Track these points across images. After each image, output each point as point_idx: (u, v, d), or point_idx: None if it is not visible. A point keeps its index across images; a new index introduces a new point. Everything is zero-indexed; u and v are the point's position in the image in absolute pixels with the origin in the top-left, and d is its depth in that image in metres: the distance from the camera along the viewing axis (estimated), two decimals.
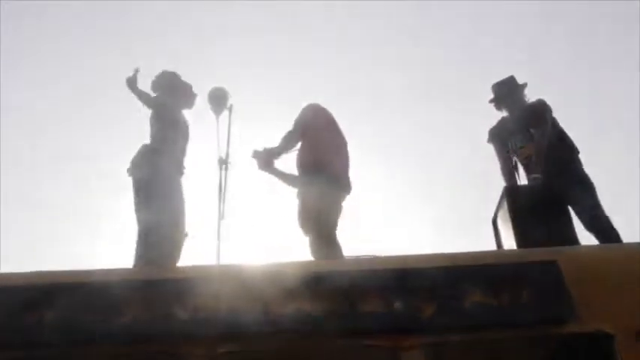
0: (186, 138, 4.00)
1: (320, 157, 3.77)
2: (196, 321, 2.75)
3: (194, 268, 3.11)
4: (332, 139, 3.91)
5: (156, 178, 3.64)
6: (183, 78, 4.17)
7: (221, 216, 3.85)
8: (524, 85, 4.21)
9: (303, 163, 3.86)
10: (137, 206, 3.64)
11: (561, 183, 3.75)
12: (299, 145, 3.96)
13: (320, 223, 3.64)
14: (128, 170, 3.76)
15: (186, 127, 4.05)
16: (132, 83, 3.96)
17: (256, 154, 3.96)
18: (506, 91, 4.17)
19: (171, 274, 3.09)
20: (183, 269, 3.17)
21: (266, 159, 3.95)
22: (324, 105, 4.07)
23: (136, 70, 3.98)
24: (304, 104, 4.07)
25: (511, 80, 4.23)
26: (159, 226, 3.49)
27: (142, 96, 3.98)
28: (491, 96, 4.23)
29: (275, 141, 4.00)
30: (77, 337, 2.72)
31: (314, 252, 3.62)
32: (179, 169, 3.88)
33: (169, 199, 3.63)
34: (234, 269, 3.13)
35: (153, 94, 4.08)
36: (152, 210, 3.54)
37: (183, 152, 3.95)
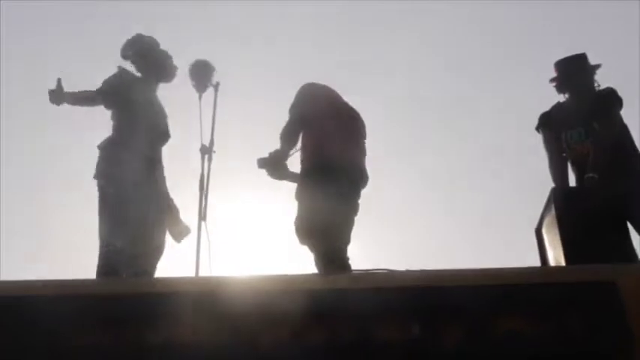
0: (158, 121, 3.91)
1: (328, 152, 3.64)
2: (169, 347, 2.73)
3: (166, 281, 3.09)
4: (340, 126, 3.78)
5: (118, 178, 3.58)
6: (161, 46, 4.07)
7: (202, 216, 3.82)
8: (597, 67, 4.06)
9: (308, 160, 3.73)
10: (99, 214, 3.60)
11: (621, 190, 3.63)
12: (302, 135, 3.82)
13: (329, 239, 3.50)
14: (94, 176, 3.70)
15: (159, 108, 3.97)
16: (58, 98, 3.78)
17: (263, 163, 3.81)
18: (575, 70, 4.03)
19: (140, 288, 3.06)
20: (154, 282, 3.17)
21: (275, 165, 3.81)
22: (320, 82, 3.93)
23: (59, 81, 3.79)
24: (300, 85, 3.92)
25: (582, 58, 4.09)
26: (118, 237, 3.48)
27: (80, 100, 3.83)
28: (553, 74, 4.09)
29: (275, 141, 3.85)
30: None
31: (316, 262, 3.48)
32: (150, 162, 3.79)
33: (134, 203, 3.56)
34: (215, 284, 3.09)
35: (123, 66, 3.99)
36: (111, 219, 3.53)
37: (157, 140, 3.87)
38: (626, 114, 3.95)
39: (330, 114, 3.80)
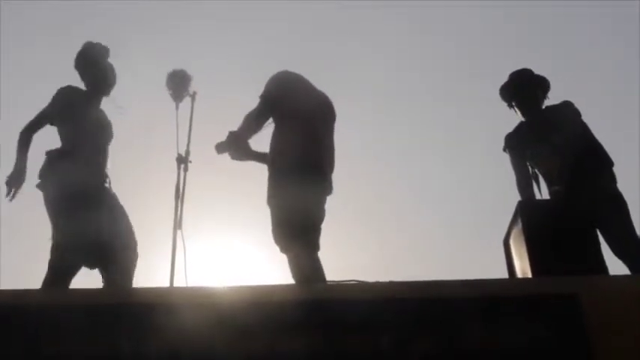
0: (103, 136, 3.98)
1: (301, 150, 3.59)
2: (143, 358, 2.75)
3: (141, 290, 3.10)
4: (315, 120, 3.73)
5: (65, 190, 3.62)
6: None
7: (177, 225, 3.83)
8: (544, 81, 4.13)
9: (279, 155, 3.68)
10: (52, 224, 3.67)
11: (589, 200, 3.70)
12: (272, 129, 3.78)
13: (307, 229, 3.49)
14: (38, 185, 3.75)
15: (105, 123, 4.03)
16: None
17: (223, 147, 3.77)
18: (519, 85, 4.11)
19: (113, 298, 3.06)
20: (128, 292, 3.16)
21: (238, 144, 3.77)
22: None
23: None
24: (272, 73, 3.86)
25: (526, 73, 4.16)
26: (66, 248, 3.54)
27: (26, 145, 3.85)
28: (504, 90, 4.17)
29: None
30: None
31: (301, 268, 3.47)
32: (98, 177, 3.86)
33: (82, 216, 3.60)
34: (191, 293, 3.10)
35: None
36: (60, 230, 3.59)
37: (102, 155, 3.93)
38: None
39: (306, 108, 3.71)
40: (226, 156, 3.80)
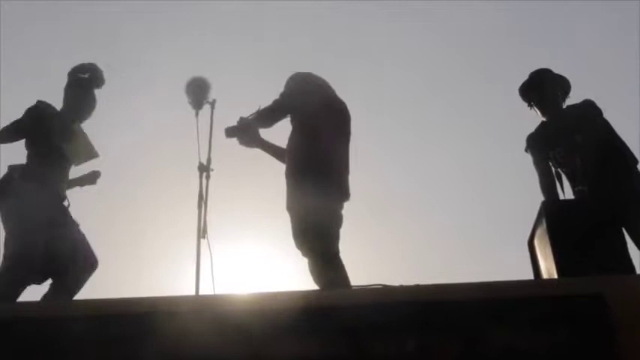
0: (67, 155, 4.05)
1: (318, 155, 3.64)
2: None
3: (163, 299, 3.09)
4: (333, 127, 3.76)
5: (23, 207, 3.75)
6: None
7: (202, 233, 3.83)
8: (564, 81, 4.14)
9: (296, 160, 3.73)
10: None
11: (614, 198, 3.70)
12: (291, 132, 3.83)
13: (321, 238, 3.54)
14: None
15: (75, 142, 4.09)
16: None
17: (232, 131, 3.84)
18: (538, 85, 4.13)
19: (134, 307, 3.05)
20: (150, 301, 3.12)
21: (249, 130, 3.83)
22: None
23: None
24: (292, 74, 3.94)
25: (545, 73, 4.17)
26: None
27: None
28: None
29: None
30: None
31: (316, 276, 3.55)
32: (56, 196, 3.97)
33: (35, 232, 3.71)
34: (214, 302, 3.15)
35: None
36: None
37: (62, 174, 4.06)
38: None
39: (325, 113, 3.74)
40: (236, 141, 3.89)
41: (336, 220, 3.65)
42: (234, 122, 3.95)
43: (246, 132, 3.86)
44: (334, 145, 3.72)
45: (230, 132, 3.85)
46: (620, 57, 7.89)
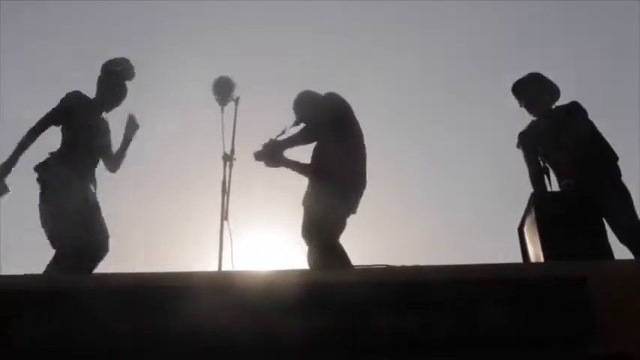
0: (94, 142, 4.30)
1: (335, 166, 3.97)
2: (186, 334, 3.02)
3: (191, 274, 3.33)
4: (351, 145, 4.10)
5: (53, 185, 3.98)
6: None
7: (224, 216, 4.15)
8: (552, 87, 4.38)
9: (317, 168, 4.08)
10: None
11: (596, 191, 3.93)
12: (325, 142, 4.13)
13: (323, 234, 3.89)
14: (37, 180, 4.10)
15: (100, 131, 4.36)
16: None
17: (259, 155, 4.18)
18: (525, 89, 4.39)
19: (163, 280, 3.26)
20: (175, 275, 3.35)
21: (271, 155, 4.18)
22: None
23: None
24: (322, 94, 4.28)
25: (534, 77, 4.40)
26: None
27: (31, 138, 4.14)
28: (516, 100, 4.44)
29: (285, 133, 4.23)
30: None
31: (313, 262, 3.88)
32: (85, 175, 4.20)
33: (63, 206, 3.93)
34: (228, 277, 3.44)
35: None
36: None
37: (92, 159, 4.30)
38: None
39: (345, 131, 4.09)
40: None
41: (338, 227, 4.01)
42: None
43: (272, 156, 4.20)
44: (357, 163, 4.11)
45: (258, 156, 4.19)
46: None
